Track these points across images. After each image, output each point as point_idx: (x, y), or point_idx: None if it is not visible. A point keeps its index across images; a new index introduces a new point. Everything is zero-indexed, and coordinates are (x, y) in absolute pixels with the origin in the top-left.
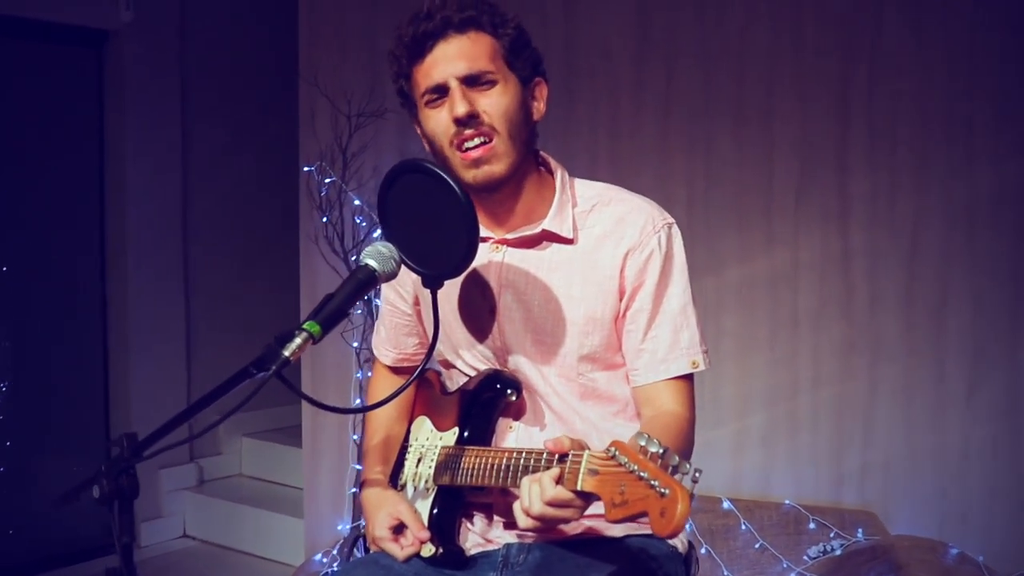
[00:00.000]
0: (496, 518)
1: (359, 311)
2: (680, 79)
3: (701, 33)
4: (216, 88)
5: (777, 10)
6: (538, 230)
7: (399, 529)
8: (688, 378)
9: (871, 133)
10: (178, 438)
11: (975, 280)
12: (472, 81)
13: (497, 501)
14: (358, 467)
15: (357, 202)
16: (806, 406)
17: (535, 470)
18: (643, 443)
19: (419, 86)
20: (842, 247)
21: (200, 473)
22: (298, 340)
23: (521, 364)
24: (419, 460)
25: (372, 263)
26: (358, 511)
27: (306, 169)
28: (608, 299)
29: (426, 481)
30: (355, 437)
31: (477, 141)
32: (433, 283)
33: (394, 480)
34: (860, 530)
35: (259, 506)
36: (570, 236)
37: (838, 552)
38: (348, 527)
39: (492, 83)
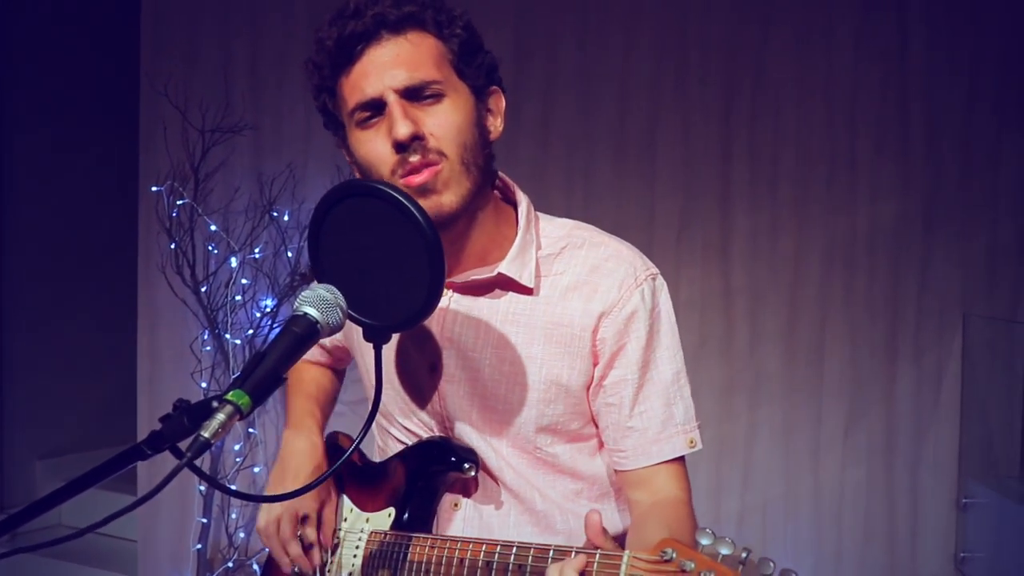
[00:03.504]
0: None
1: (208, 347)
2: (558, 107)
3: (581, 59)
4: (39, 88)
5: (660, 39)
6: (493, 273)
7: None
8: (682, 456)
9: (753, 167)
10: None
11: (852, 318)
12: (414, 94)
13: None
14: (203, 520)
15: (214, 227)
16: None
17: (536, 572)
18: (708, 542)
19: (346, 102)
20: (723, 284)
21: None
22: (221, 417)
23: (467, 434)
24: (336, 546)
25: (312, 313)
26: (203, 569)
27: (154, 189)
28: (576, 363)
29: (350, 574)
30: (201, 488)
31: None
32: (378, 336)
33: (298, 567)
34: None
35: (83, 562)
36: (530, 285)
37: None
38: None
39: (438, 96)
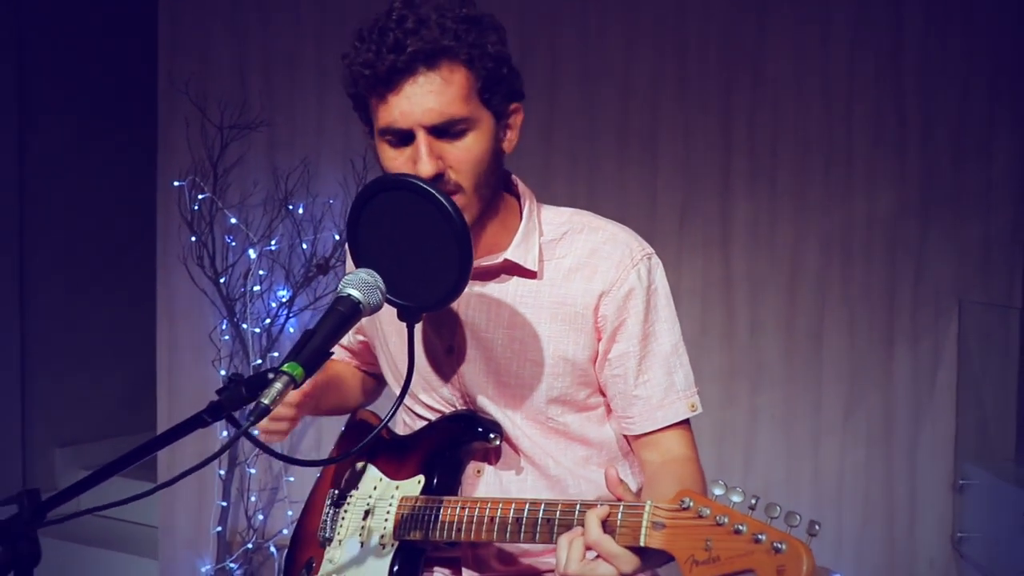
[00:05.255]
0: (465, 571)
1: (226, 336)
2: (562, 99)
3: (583, 53)
4: (62, 84)
5: (660, 32)
6: (499, 260)
7: None
8: (687, 420)
9: (752, 157)
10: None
11: (850, 306)
12: (441, 130)
13: (465, 554)
14: (223, 503)
15: (234, 220)
16: None
17: (564, 524)
18: (720, 492)
19: (377, 118)
20: (724, 272)
21: None
22: (278, 386)
23: (486, 407)
24: (367, 513)
25: (355, 293)
26: (223, 551)
27: (176, 184)
28: (580, 338)
29: (382, 536)
30: (221, 472)
31: None
32: (412, 316)
33: (328, 533)
34: None
35: (105, 546)
36: (534, 268)
37: None
38: (211, 568)
39: (463, 131)
